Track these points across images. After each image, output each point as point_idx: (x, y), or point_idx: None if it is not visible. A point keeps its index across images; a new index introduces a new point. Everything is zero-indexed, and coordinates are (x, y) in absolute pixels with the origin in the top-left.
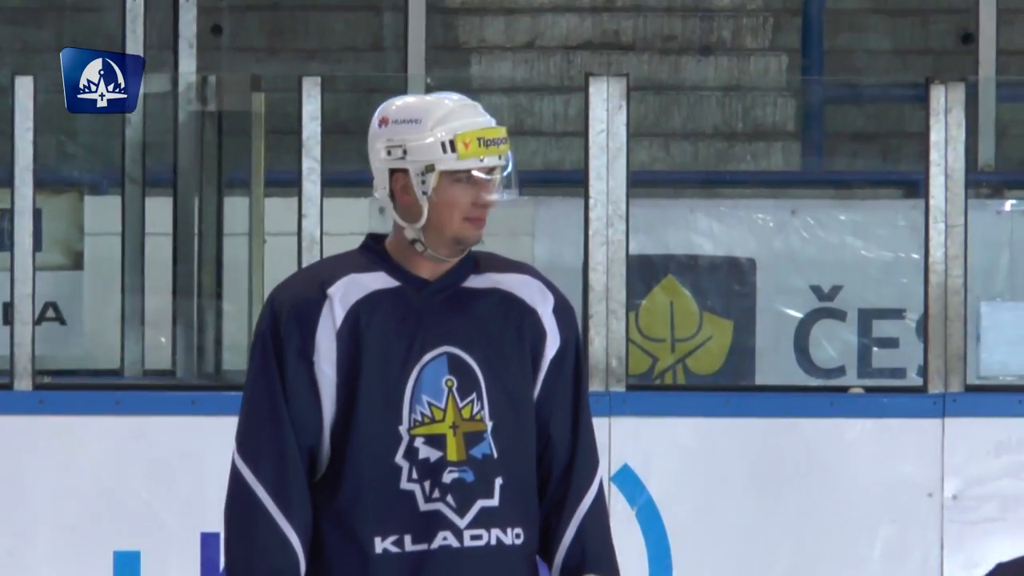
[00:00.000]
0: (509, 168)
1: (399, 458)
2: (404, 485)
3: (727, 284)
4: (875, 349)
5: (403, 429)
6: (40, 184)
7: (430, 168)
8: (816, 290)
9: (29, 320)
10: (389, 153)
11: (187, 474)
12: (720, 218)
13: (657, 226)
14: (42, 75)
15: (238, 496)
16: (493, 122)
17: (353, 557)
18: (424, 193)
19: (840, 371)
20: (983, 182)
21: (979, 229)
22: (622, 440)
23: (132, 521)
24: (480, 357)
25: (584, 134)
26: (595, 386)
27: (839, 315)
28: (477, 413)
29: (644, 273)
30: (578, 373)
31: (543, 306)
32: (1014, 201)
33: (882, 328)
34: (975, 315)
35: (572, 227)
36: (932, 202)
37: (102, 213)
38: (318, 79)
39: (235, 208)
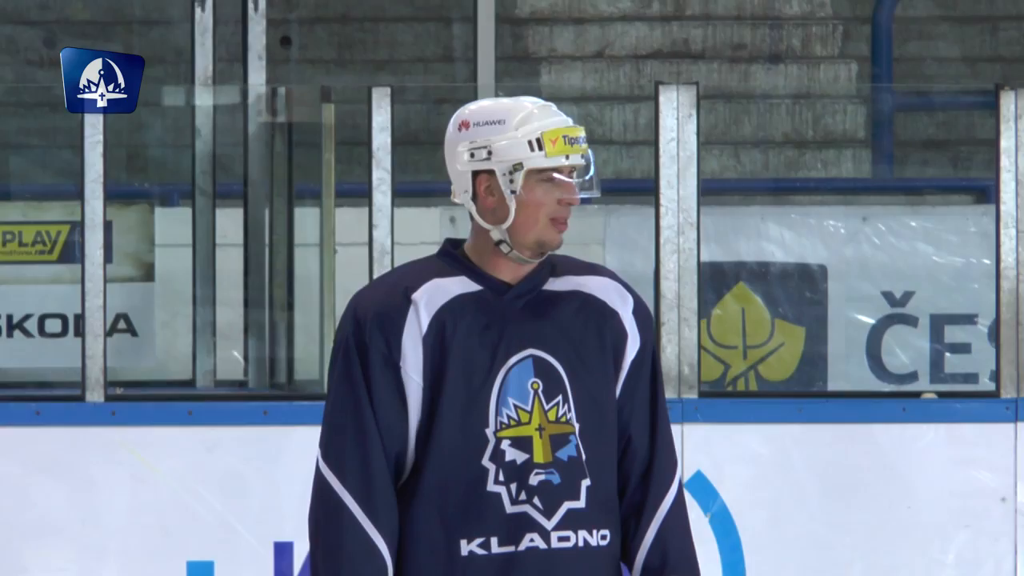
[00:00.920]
0: (592, 169)
1: (486, 460)
2: (491, 487)
3: (798, 291)
4: (947, 355)
5: (489, 432)
6: (110, 197)
7: (518, 167)
8: (888, 296)
9: (100, 332)
10: (472, 155)
11: (259, 484)
12: (791, 226)
13: (728, 234)
14: None
15: (324, 504)
16: (571, 121)
17: (439, 560)
18: (512, 192)
19: (912, 377)
20: None
21: None
22: (695, 447)
23: (205, 531)
24: (564, 360)
25: (654, 143)
26: (668, 393)
27: (911, 321)
28: (563, 415)
29: (715, 281)
30: (655, 375)
31: (623, 308)
32: None
33: (954, 334)
34: None
35: (642, 236)
36: (1003, 208)
37: (172, 225)
38: (387, 90)
39: (305, 219)
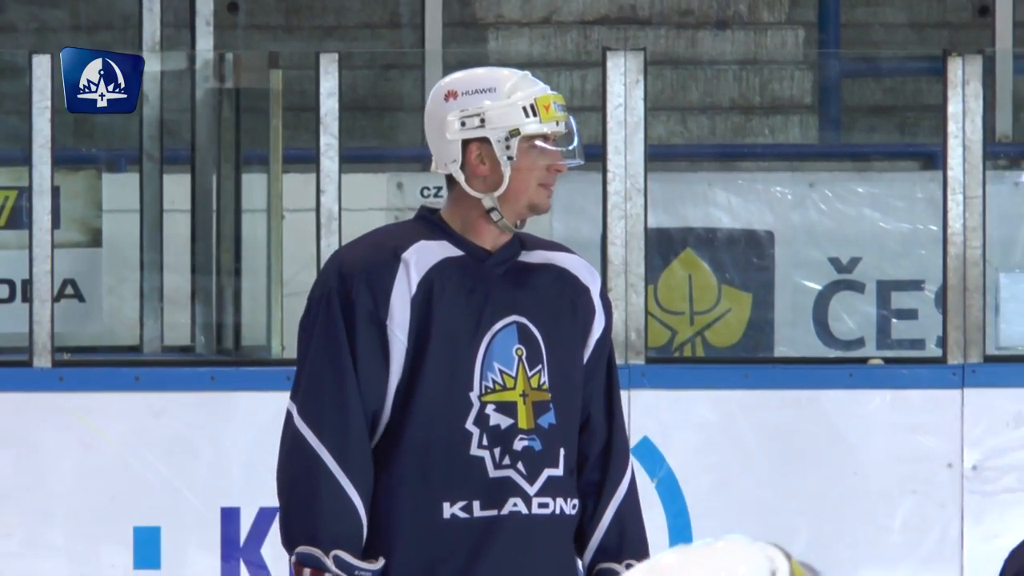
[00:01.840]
0: (576, 137)
1: (469, 424)
2: (474, 451)
3: (745, 257)
4: (894, 321)
5: (474, 396)
6: (58, 162)
7: (514, 132)
8: (835, 262)
9: (48, 298)
10: (464, 124)
11: (206, 450)
12: (738, 191)
13: (675, 200)
14: (59, 54)
15: (299, 458)
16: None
17: (421, 521)
18: (509, 158)
19: (859, 343)
20: (1001, 154)
21: (997, 200)
22: (642, 413)
23: (152, 497)
24: (542, 328)
25: (602, 109)
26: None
27: (858, 287)
28: (543, 383)
29: (662, 247)
30: (612, 359)
31: (593, 286)
32: None
33: (901, 300)
34: (994, 286)
35: (590, 202)
36: (950, 174)
37: (120, 191)
38: (335, 56)
39: (253, 185)
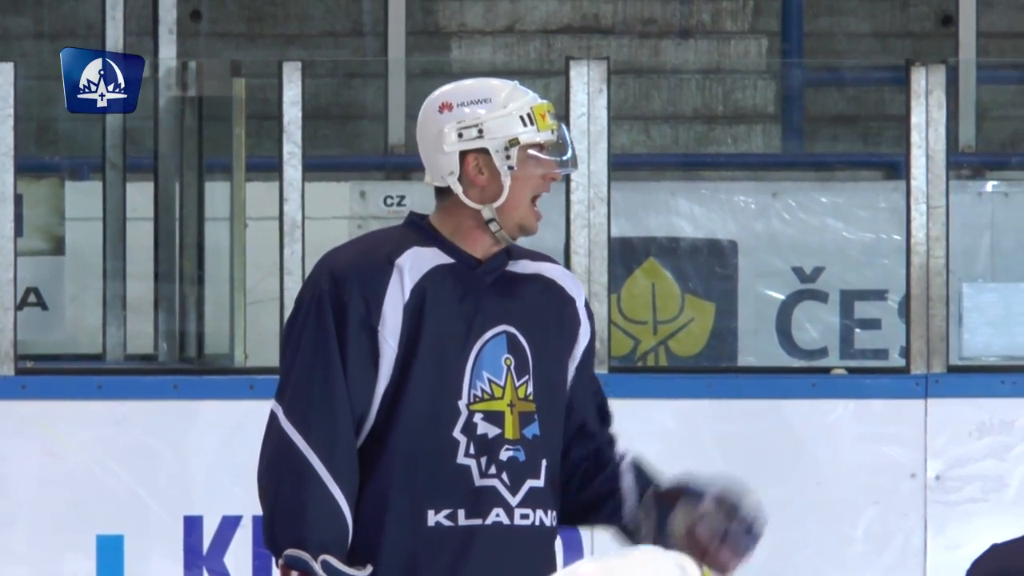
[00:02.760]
0: (570, 146)
1: (457, 432)
2: (460, 459)
3: (708, 266)
4: (857, 330)
5: (462, 404)
6: (21, 170)
7: (513, 142)
8: (798, 272)
9: (11, 306)
10: (461, 135)
11: (169, 458)
12: (701, 201)
13: (638, 209)
14: (22, 62)
15: (285, 461)
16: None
17: (404, 528)
18: (510, 168)
19: (822, 352)
20: (964, 164)
21: (960, 210)
22: None
23: (115, 505)
24: (530, 339)
25: (565, 118)
26: None
27: (821, 297)
28: (529, 394)
29: (625, 256)
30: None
31: (579, 297)
32: (995, 182)
33: (864, 309)
34: (957, 296)
35: (552, 210)
36: (913, 184)
37: (83, 199)
38: (298, 64)
39: (216, 193)
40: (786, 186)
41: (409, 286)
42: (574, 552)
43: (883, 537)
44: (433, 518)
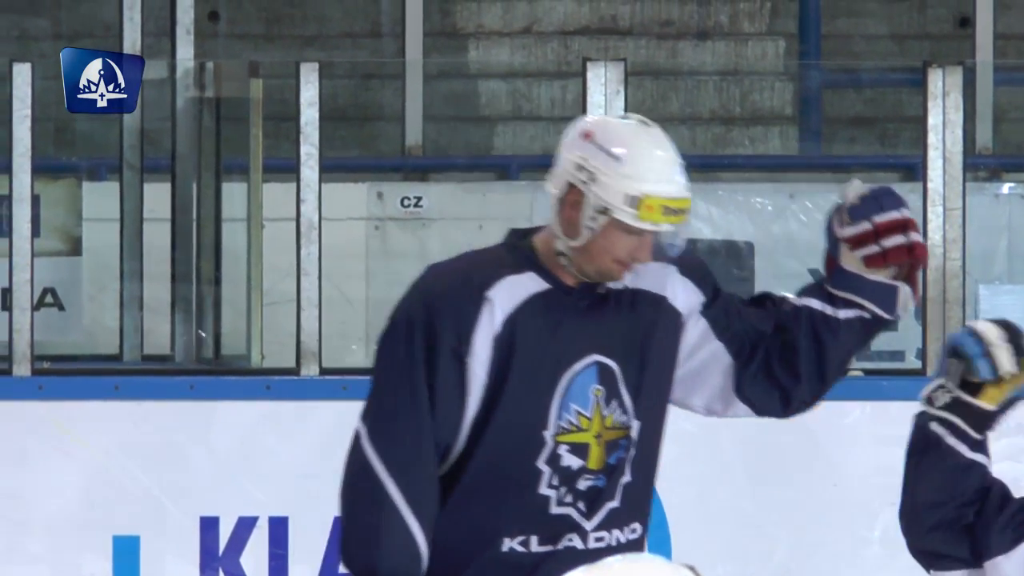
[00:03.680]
0: (677, 241)
1: (541, 463)
2: (543, 490)
3: (725, 268)
4: None
5: (548, 435)
6: (38, 171)
7: (605, 211)
8: (815, 274)
9: (28, 306)
10: (579, 169)
11: (186, 459)
12: (718, 202)
13: None
14: (39, 63)
15: (363, 486)
16: (685, 188)
17: (477, 552)
18: (590, 229)
19: None
20: (981, 166)
21: (977, 212)
22: None
23: (131, 506)
24: (625, 362)
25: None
26: None
27: None
28: (619, 421)
29: None
30: (727, 297)
31: (669, 285)
32: (1012, 184)
33: None
34: (974, 298)
35: None
36: (930, 185)
37: (100, 199)
38: (316, 65)
39: (233, 194)
40: (803, 188)
41: (500, 318)
42: None
43: (900, 539)
44: (507, 544)
